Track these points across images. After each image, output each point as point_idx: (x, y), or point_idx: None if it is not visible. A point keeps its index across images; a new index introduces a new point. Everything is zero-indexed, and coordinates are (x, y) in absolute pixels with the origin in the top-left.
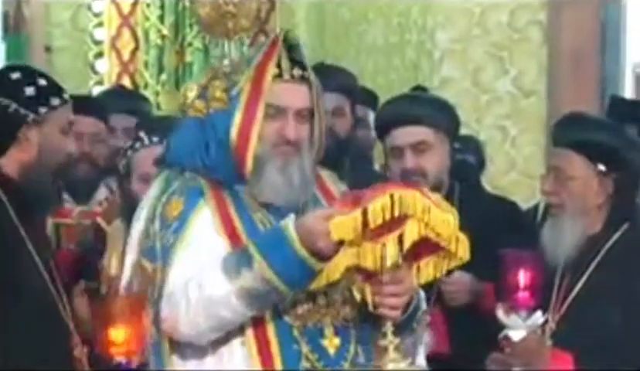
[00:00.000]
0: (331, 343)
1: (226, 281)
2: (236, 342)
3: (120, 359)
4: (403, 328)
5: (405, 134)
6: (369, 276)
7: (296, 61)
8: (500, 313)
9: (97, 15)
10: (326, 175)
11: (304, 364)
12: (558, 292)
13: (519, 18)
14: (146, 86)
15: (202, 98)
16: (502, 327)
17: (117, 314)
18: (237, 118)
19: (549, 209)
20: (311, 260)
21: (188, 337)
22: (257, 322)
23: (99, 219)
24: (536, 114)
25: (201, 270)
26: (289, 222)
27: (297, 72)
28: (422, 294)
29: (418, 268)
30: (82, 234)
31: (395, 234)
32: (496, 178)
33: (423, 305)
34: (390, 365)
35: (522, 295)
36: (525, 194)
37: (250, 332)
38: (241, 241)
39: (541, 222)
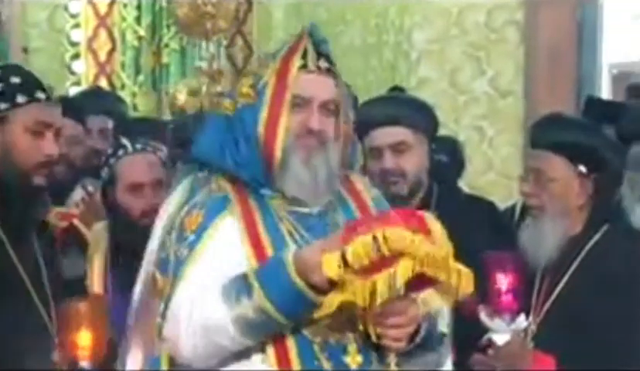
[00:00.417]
0: (353, 360)
1: (224, 308)
2: (256, 359)
3: (84, 363)
4: (415, 355)
5: (384, 135)
6: (371, 307)
7: (322, 54)
8: (483, 316)
9: (73, 15)
10: (357, 178)
11: None
12: (538, 294)
13: (496, 19)
14: (123, 87)
15: (230, 97)
16: (483, 329)
17: (81, 317)
18: (264, 111)
19: (528, 211)
20: (309, 292)
21: (187, 360)
22: (278, 338)
23: (75, 221)
24: (513, 115)
25: (207, 291)
26: (289, 253)
27: (323, 64)
28: (445, 314)
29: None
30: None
31: (385, 273)
32: (474, 179)
33: (444, 327)
34: None
35: (505, 298)
36: (503, 194)
37: (270, 349)
38: (265, 252)
39: (518, 223)
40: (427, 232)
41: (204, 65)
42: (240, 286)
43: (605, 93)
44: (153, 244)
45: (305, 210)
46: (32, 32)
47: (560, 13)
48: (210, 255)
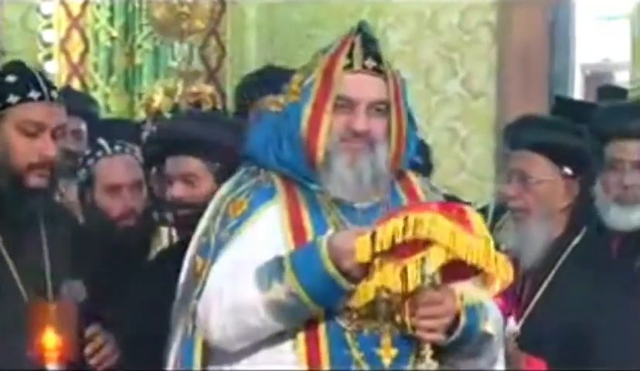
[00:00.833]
0: (387, 353)
1: (256, 291)
2: (287, 345)
3: (52, 365)
4: (452, 352)
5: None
6: (406, 296)
7: (370, 52)
8: None
9: (45, 16)
10: (416, 178)
11: (355, 369)
12: (520, 297)
13: (469, 20)
14: (96, 88)
15: (283, 94)
16: None
17: (48, 319)
18: (307, 109)
19: (511, 214)
20: (340, 279)
21: (217, 341)
22: (310, 324)
23: None
24: (486, 116)
25: (240, 274)
26: (323, 238)
27: (369, 62)
28: (492, 313)
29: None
30: None
31: (417, 257)
32: (446, 180)
33: (489, 327)
34: None
35: (496, 302)
36: (475, 195)
37: (301, 334)
38: (307, 237)
39: (492, 225)
40: (466, 222)
41: (178, 65)
42: (274, 269)
43: (578, 93)
44: (198, 231)
45: (353, 205)
46: (6, 33)
47: (533, 14)
48: (249, 240)
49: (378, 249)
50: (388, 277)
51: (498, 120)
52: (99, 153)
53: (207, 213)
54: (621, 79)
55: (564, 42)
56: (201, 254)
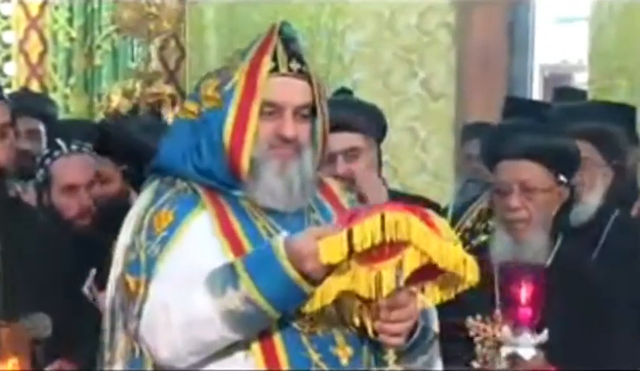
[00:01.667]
0: (344, 353)
1: (209, 301)
2: (239, 356)
3: None
4: (409, 355)
5: (337, 140)
6: (368, 300)
7: (294, 54)
8: (506, 331)
9: (4, 17)
10: (332, 182)
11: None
12: None
13: (427, 21)
14: (55, 89)
15: (193, 99)
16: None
17: (3, 344)
18: (230, 116)
19: (510, 224)
20: (302, 282)
21: (166, 360)
22: (264, 330)
23: None
24: (446, 116)
25: (184, 287)
26: (280, 241)
27: (294, 65)
28: (434, 312)
29: (423, 290)
30: None
31: (393, 262)
32: (406, 180)
33: (435, 327)
34: None
35: (524, 312)
36: (435, 196)
37: (255, 341)
38: (242, 245)
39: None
40: (431, 225)
41: (136, 66)
42: (226, 276)
43: (537, 94)
44: (119, 249)
45: (279, 210)
46: None
47: (492, 16)
48: (185, 251)
49: (358, 249)
50: (361, 281)
51: (458, 121)
52: (56, 153)
53: (128, 228)
54: (580, 80)
55: (523, 44)
56: (131, 272)
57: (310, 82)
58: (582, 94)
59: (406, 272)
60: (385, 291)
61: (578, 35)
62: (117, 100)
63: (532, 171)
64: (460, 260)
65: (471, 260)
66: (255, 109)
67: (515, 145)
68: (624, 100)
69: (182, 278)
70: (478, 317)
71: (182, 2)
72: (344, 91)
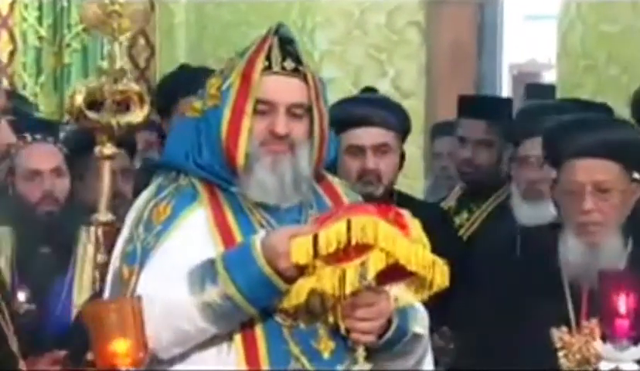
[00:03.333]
0: (325, 347)
1: (189, 295)
2: (222, 348)
3: (125, 369)
4: (383, 353)
5: (369, 135)
6: (340, 298)
7: (289, 53)
8: (606, 345)
9: None
10: (338, 182)
11: (295, 365)
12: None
13: (397, 20)
14: (25, 87)
15: (200, 97)
16: None
17: (116, 323)
18: (227, 113)
19: (581, 228)
20: (276, 279)
21: (151, 349)
22: (246, 322)
23: None
24: (416, 115)
25: (171, 278)
26: (256, 239)
27: (288, 64)
28: (421, 315)
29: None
30: None
31: (357, 262)
32: None
33: (420, 329)
34: None
35: (623, 323)
36: None
37: (238, 333)
38: (236, 240)
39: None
40: (403, 226)
41: (105, 64)
42: (206, 271)
43: (506, 92)
44: (120, 241)
45: (275, 206)
46: None
47: (461, 14)
48: (177, 244)
49: (322, 253)
50: (326, 280)
51: (428, 119)
52: (20, 142)
53: (128, 221)
54: (549, 78)
55: (492, 42)
56: (127, 263)
57: (306, 81)
58: (552, 90)
59: (371, 272)
60: (348, 290)
61: (547, 33)
62: (80, 99)
63: (608, 171)
64: (428, 263)
65: (440, 262)
66: (249, 106)
67: (588, 142)
68: (591, 98)
69: (170, 271)
70: (564, 328)
71: (148, 1)
72: (369, 90)
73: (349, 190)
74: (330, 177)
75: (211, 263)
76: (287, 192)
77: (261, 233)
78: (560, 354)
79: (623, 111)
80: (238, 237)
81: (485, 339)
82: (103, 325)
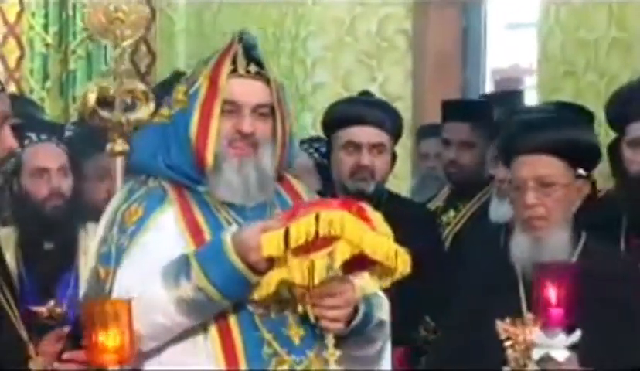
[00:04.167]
0: (296, 333)
1: (165, 290)
2: (198, 338)
3: (113, 367)
4: (350, 339)
5: (366, 133)
6: (308, 288)
7: (253, 59)
8: (539, 333)
9: None
10: (295, 180)
11: (267, 350)
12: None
13: (386, 28)
14: (31, 92)
15: (167, 105)
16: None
17: (105, 318)
18: (195, 115)
19: (527, 223)
20: (247, 272)
21: None
22: (220, 311)
23: None
24: (403, 118)
25: (147, 276)
26: (227, 234)
27: (252, 68)
28: (383, 303)
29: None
30: None
31: (324, 252)
32: None
33: (383, 315)
34: None
35: (556, 312)
36: None
37: (212, 323)
38: (205, 237)
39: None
40: (366, 219)
41: (111, 66)
42: (180, 267)
43: None
44: (94, 243)
45: (240, 205)
46: None
47: (446, 23)
48: (150, 243)
49: (292, 245)
50: (295, 271)
51: (414, 122)
52: (26, 141)
53: (103, 222)
54: (530, 83)
55: (476, 49)
56: (102, 264)
57: (269, 84)
58: (519, 95)
59: (338, 262)
60: (317, 279)
61: (527, 40)
62: (93, 99)
63: (549, 166)
64: (392, 252)
65: (402, 251)
66: (217, 107)
67: (531, 140)
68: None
69: (144, 268)
70: (507, 320)
71: (149, 9)
72: (365, 94)
73: (308, 190)
74: (290, 177)
75: (185, 259)
76: (252, 192)
77: (232, 228)
78: (507, 345)
79: (600, 115)
80: (207, 235)
81: (456, 336)
82: (96, 321)
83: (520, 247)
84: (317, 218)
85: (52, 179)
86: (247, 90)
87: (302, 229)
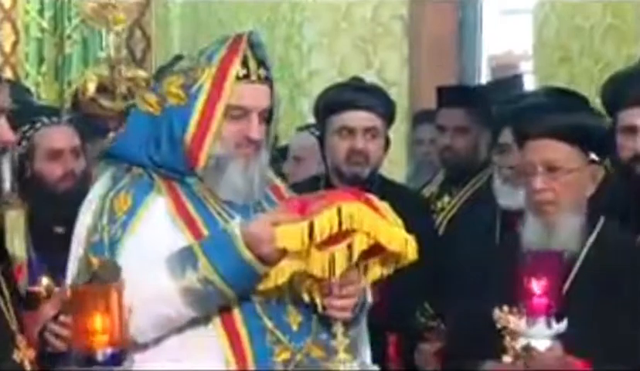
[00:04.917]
0: (294, 320)
1: (170, 281)
2: (202, 328)
3: (102, 349)
4: (351, 325)
5: (360, 118)
6: (320, 279)
7: (262, 61)
8: (518, 322)
9: None
10: (278, 180)
11: (271, 338)
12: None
13: (382, 14)
14: (27, 77)
15: (154, 92)
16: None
17: (94, 302)
18: (195, 117)
19: (535, 207)
20: (256, 264)
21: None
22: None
23: None
24: (399, 104)
25: (146, 266)
26: (235, 226)
27: (262, 72)
28: (367, 287)
29: (366, 267)
30: None
31: (344, 245)
32: None
33: (369, 297)
34: (341, 367)
35: (539, 301)
36: None
37: (215, 313)
38: (197, 225)
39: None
40: (376, 209)
41: (106, 55)
42: (185, 258)
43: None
44: (80, 230)
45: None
46: None
47: (443, 8)
48: (144, 232)
49: (318, 239)
50: (316, 264)
51: (410, 108)
52: (39, 124)
53: (89, 211)
54: (525, 69)
55: (472, 35)
56: (94, 253)
57: (271, 87)
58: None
59: (356, 253)
60: (337, 271)
61: (523, 27)
62: (92, 88)
63: (557, 151)
64: (404, 241)
65: (411, 239)
66: (219, 111)
67: (540, 124)
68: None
69: (143, 258)
70: (505, 308)
71: None
72: (356, 79)
73: (288, 188)
74: (273, 178)
75: (190, 249)
76: (255, 193)
77: (236, 220)
78: (504, 332)
79: (594, 101)
80: (200, 225)
81: (466, 320)
82: (88, 305)
83: (531, 232)
84: (339, 212)
85: (67, 161)
86: (257, 96)
87: (326, 223)
